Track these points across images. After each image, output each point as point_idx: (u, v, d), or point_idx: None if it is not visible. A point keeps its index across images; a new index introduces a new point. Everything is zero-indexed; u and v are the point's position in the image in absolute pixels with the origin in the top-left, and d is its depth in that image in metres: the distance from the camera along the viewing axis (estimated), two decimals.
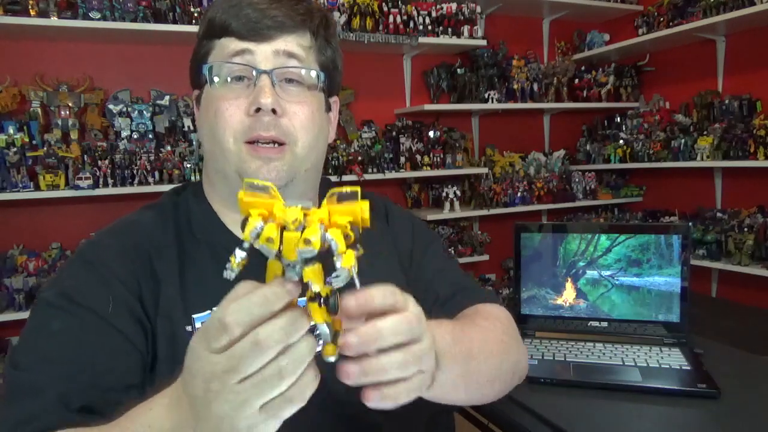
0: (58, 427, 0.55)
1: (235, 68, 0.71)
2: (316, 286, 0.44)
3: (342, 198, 0.45)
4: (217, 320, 0.41)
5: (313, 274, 0.44)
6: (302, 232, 0.43)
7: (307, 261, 0.43)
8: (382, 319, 0.45)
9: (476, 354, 0.64)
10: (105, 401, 0.59)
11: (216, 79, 0.72)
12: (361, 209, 0.45)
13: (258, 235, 0.43)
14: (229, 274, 0.44)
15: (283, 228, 0.43)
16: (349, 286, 0.45)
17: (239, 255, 0.44)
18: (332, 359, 0.46)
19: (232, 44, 0.71)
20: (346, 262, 0.43)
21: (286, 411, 0.43)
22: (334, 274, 0.43)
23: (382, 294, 0.46)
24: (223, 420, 0.42)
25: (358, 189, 0.45)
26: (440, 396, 0.58)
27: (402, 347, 0.46)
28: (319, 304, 0.45)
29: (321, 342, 0.46)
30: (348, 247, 0.44)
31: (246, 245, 0.44)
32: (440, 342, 0.55)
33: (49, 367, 0.60)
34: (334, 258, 0.43)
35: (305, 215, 0.43)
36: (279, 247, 0.43)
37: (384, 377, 0.46)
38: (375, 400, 0.47)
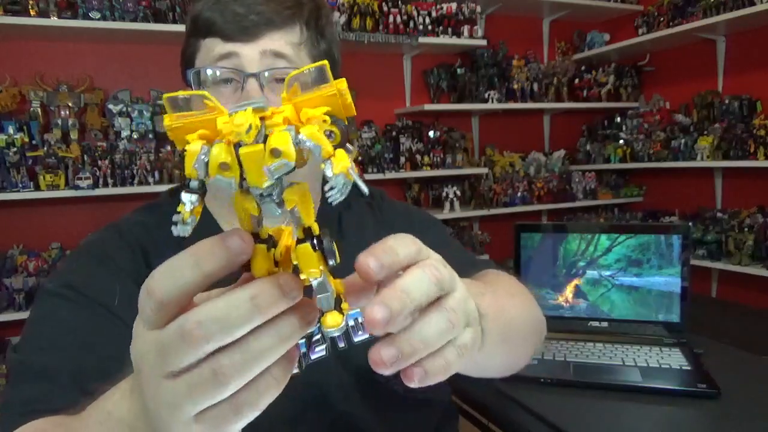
0: (73, 408, 0.54)
1: (221, 72, 0.68)
2: (305, 217, 0.31)
3: (307, 83, 0.32)
4: (144, 287, 0.32)
5: (297, 195, 0.31)
6: (266, 142, 0.29)
7: (281, 181, 0.30)
8: (404, 278, 0.34)
9: (508, 308, 0.57)
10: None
11: (203, 82, 0.69)
12: (339, 91, 0.31)
13: (206, 165, 0.30)
14: (181, 229, 0.31)
15: (237, 145, 0.29)
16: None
17: (188, 199, 0.30)
18: (335, 332, 0.33)
19: (217, 47, 0.68)
20: (339, 165, 0.29)
21: (232, 424, 0.31)
22: (327, 187, 0.30)
23: (403, 243, 0.35)
24: (156, 418, 0.32)
25: (325, 62, 0.32)
26: (482, 363, 0.49)
27: (437, 306, 0.35)
28: (313, 247, 0.31)
29: (322, 306, 0.33)
30: (336, 147, 0.31)
31: (194, 184, 0.30)
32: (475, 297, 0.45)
33: (59, 351, 0.59)
34: (322, 166, 0.30)
35: (263, 119, 0.30)
36: (240, 173, 0.30)
37: (430, 350, 0.34)
38: (418, 379, 0.34)
